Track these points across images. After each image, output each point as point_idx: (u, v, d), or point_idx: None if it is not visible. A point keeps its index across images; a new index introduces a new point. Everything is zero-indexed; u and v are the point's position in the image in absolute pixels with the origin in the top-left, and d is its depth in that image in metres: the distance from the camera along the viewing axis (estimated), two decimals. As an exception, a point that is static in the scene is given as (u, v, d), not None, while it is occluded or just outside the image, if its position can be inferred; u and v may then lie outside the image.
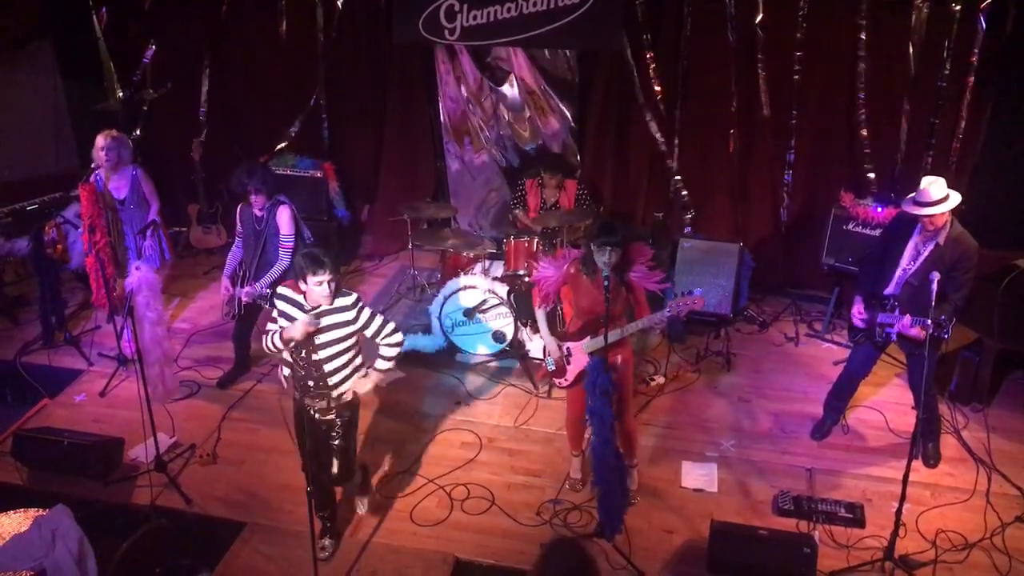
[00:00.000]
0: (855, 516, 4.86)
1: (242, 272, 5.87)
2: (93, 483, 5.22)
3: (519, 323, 6.26)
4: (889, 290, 4.91)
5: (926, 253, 4.75)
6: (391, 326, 4.42)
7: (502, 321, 6.24)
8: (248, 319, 6.04)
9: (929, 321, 4.44)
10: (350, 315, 4.27)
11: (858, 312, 5.00)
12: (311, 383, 4.36)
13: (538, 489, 5.20)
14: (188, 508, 5.06)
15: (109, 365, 6.36)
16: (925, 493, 5.08)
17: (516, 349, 6.36)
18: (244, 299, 5.77)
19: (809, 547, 4.38)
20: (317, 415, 4.44)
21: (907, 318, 4.69)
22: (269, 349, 4.37)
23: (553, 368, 4.94)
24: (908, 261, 4.84)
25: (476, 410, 5.98)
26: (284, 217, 5.69)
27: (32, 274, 7.13)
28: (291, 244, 5.70)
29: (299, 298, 4.28)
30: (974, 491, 5.07)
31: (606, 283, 4.31)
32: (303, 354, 4.28)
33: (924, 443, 5.33)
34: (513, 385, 6.22)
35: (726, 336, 6.65)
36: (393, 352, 4.46)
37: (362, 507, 4.98)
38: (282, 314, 4.33)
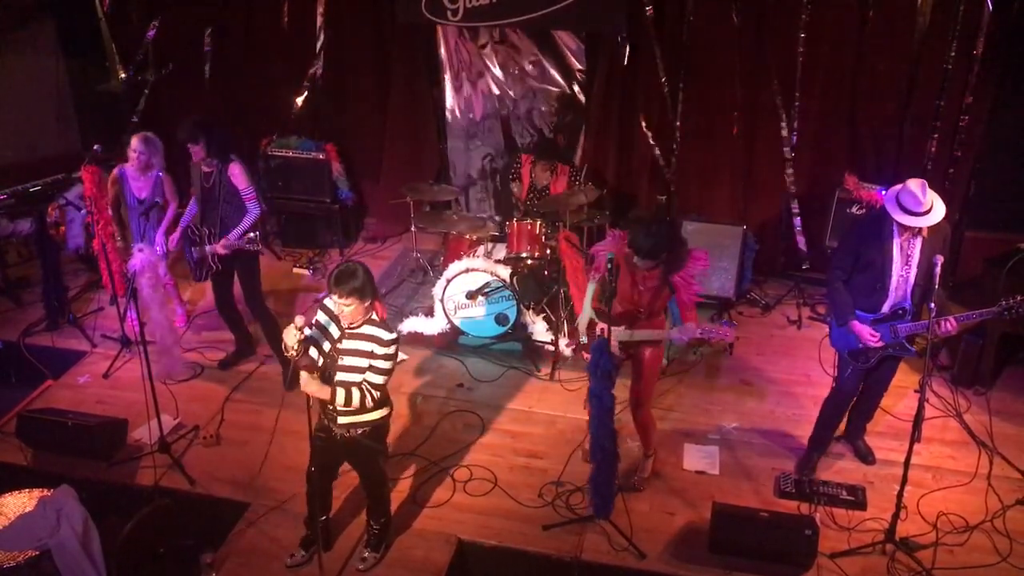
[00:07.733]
0: (856, 498, 4.88)
1: (206, 231, 5.74)
2: (97, 464, 5.25)
3: (522, 306, 6.25)
4: (892, 300, 4.55)
5: (917, 253, 4.42)
6: (379, 379, 4.09)
7: (505, 304, 6.24)
8: (224, 282, 5.91)
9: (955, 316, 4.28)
10: (380, 350, 4.02)
11: (872, 335, 4.56)
12: (329, 405, 4.14)
13: (540, 471, 5.22)
14: (191, 489, 5.08)
15: (112, 347, 6.38)
16: (926, 476, 5.09)
17: (518, 332, 6.36)
18: (222, 252, 5.64)
19: (810, 529, 4.40)
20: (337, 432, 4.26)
21: (952, 320, 4.29)
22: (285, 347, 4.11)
23: (586, 342, 4.90)
24: (901, 267, 4.46)
25: (479, 392, 6.00)
26: (236, 174, 5.58)
27: (35, 255, 7.13)
28: (254, 195, 5.64)
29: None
30: (975, 474, 5.08)
31: (610, 271, 4.33)
32: (326, 373, 4.08)
33: (857, 440, 5.29)
34: (515, 368, 6.23)
35: (729, 319, 6.64)
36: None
37: (362, 564, 4.55)
38: (317, 324, 4.12)
